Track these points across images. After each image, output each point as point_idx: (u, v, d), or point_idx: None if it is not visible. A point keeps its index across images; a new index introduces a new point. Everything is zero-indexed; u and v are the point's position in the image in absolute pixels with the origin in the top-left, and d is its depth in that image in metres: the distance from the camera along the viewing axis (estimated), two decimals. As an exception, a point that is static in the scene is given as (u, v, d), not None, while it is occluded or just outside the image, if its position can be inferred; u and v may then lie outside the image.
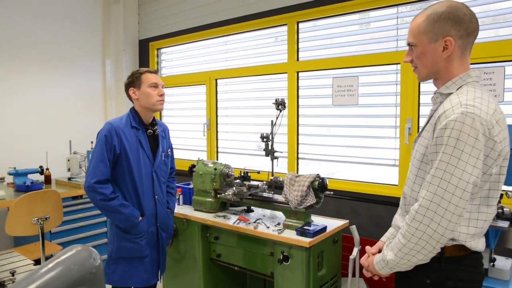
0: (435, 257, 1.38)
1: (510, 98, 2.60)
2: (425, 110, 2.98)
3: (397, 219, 1.65)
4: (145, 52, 5.28)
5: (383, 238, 1.72)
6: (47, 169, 4.11)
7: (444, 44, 1.40)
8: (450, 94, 1.42)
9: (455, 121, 1.28)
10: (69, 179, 4.18)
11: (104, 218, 4.09)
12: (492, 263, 2.01)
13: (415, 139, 1.57)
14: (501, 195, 2.05)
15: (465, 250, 1.41)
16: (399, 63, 3.05)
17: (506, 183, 1.90)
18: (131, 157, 2.34)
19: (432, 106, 1.52)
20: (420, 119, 3.00)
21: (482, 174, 1.33)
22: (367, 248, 1.68)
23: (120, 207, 2.28)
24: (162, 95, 2.44)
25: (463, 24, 1.38)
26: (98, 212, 4.06)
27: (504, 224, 1.97)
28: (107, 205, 2.27)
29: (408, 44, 1.49)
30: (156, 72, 2.49)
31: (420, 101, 3.00)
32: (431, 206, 1.31)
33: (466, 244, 1.39)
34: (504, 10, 2.67)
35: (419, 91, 2.99)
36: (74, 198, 3.86)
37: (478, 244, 1.41)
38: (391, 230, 1.72)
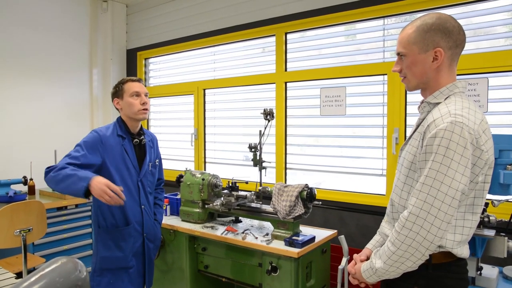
0: (423, 264, 1.39)
1: (493, 108, 2.66)
2: (412, 120, 3.02)
3: (384, 226, 1.66)
4: (133, 61, 5.25)
5: (368, 246, 1.72)
6: (31, 179, 4.02)
7: (434, 55, 1.42)
8: (437, 103, 1.44)
9: (445, 130, 1.30)
10: (54, 189, 4.09)
11: (89, 230, 4.02)
12: (479, 272, 2.03)
13: (401, 147, 1.59)
14: (487, 204, 2.08)
15: (451, 257, 1.43)
16: (386, 74, 3.10)
17: (491, 192, 1.93)
18: (116, 166, 2.31)
19: (420, 115, 1.54)
20: (407, 129, 3.04)
21: (469, 182, 1.35)
22: (355, 255, 1.68)
23: (70, 170, 2.06)
24: (144, 103, 2.38)
25: (452, 36, 1.41)
26: (83, 223, 3.99)
27: (490, 232, 1.99)
28: (55, 175, 2.08)
29: (398, 54, 1.52)
30: (139, 80, 2.44)
31: (407, 111, 3.04)
32: (421, 214, 1.33)
33: (452, 251, 1.41)
34: (485, 23, 2.75)
35: (405, 102, 3.03)
36: (59, 209, 3.78)
37: (463, 251, 1.44)
38: (376, 237, 1.72)
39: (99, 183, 1.99)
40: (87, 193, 2.00)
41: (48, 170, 2.14)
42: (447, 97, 1.43)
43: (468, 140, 1.29)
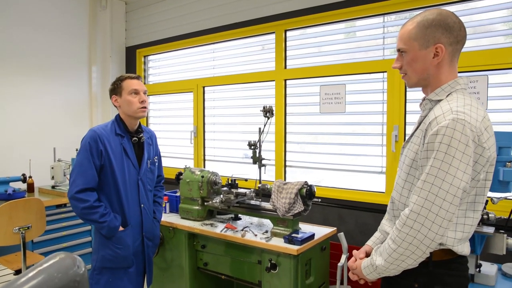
0: (423, 261, 1.39)
1: (493, 106, 2.65)
2: (411, 118, 3.02)
3: (385, 224, 1.66)
4: (132, 59, 5.24)
5: (369, 242, 1.72)
6: (30, 177, 4.02)
7: (435, 51, 1.42)
8: (439, 100, 1.43)
9: (447, 127, 1.29)
10: (53, 187, 4.09)
11: (89, 227, 4.01)
12: (478, 269, 2.03)
13: (403, 144, 1.58)
14: (486, 201, 2.08)
15: (452, 254, 1.42)
16: (385, 71, 3.09)
17: (490, 189, 1.93)
18: (115, 165, 2.29)
19: (421, 113, 1.53)
20: (407, 126, 3.04)
21: (471, 180, 1.35)
22: (354, 252, 1.68)
23: (101, 217, 2.23)
24: (143, 101, 2.36)
25: (453, 32, 1.40)
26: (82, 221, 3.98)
27: (490, 229, 1.99)
28: (89, 212, 2.21)
29: (398, 50, 1.51)
30: (137, 77, 2.42)
31: (407, 109, 3.03)
32: (422, 211, 1.32)
33: (453, 249, 1.40)
34: (485, 21, 2.75)
35: (405, 99, 3.02)
36: (58, 206, 3.78)
37: (464, 248, 1.43)
38: (377, 234, 1.72)
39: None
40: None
41: (75, 200, 2.21)
42: (448, 94, 1.42)
43: (470, 137, 1.29)
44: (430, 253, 1.38)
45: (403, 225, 1.36)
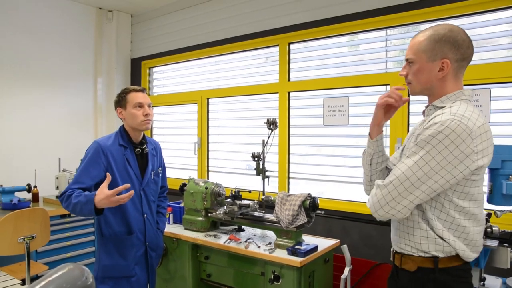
0: (429, 268, 1.44)
1: (496, 119, 2.66)
2: (414, 131, 3.02)
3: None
4: (137, 70, 5.30)
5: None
6: (35, 186, 4.04)
7: (441, 65, 1.47)
8: (443, 107, 1.48)
9: (439, 124, 1.36)
10: (58, 197, 4.10)
11: (92, 237, 4.03)
12: (482, 283, 2.02)
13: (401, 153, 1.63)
14: (490, 214, 2.08)
15: (457, 261, 1.46)
16: (388, 84, 3.11)
17: (494, 203, 1.93)
18: (118, 176, 2.31)
19: (424, 118, 1.57)
20: (410, 139, 3.05)
21: (452, 178, 1.38)
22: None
23: (74, 199, 2.12)
24: (147, 114, 2.38)
25: (460, 49, 1.46)
26: (86, 231, 4.00)
27: (493, 243, 1.99)
28: (67, 204, 2.16)
29: (406, 60, 1.56)
30: (142, 90, 2.44)
31: (410, 122, 3.05)
32: (399, 187, 1.42)
33: (460, 253, 1.44)
34: (488, 35, 2.78)
35: (408, 112, 3.04)
36: (62, 216, 3.80)
37: (470, 254, 1.47)
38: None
39: (102, 199, 2.04)
40: (99, 211, 2.11)
41: (61, 199, 2.22)
42: (453, 102, 1.47)
43: (460, 136, 1.33)
44: (436, 260, 1.43)
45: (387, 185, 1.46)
